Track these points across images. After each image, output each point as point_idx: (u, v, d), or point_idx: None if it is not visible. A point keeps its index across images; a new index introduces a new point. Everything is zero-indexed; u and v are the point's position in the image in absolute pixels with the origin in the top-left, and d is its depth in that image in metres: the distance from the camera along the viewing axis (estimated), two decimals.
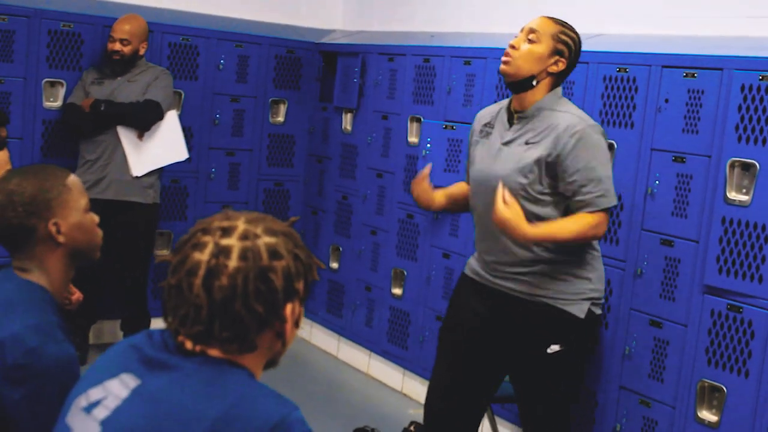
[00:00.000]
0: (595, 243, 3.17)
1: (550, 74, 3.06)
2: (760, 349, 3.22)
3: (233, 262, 1.46)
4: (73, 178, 2.18)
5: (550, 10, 3.28)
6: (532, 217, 2.99)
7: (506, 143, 3.10)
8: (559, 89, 3.12)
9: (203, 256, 1.47)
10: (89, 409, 1.50)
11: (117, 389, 1.49)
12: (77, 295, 3.22)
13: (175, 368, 1.48)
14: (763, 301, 3.22)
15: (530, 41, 3.05)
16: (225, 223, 1.51)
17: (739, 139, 3.28)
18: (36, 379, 1.92)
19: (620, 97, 3.71)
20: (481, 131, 3.24)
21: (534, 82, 3.05)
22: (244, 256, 1.47)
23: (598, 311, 3.15)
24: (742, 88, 3.27)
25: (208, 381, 1.45)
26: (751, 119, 3.24)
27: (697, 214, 3.44)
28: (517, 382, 3.28)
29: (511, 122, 3.13)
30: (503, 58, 3.07)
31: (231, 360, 1.50)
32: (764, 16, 3.41)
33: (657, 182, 3.56)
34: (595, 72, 3.78)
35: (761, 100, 3.21)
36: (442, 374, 3.33)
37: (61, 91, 4.87)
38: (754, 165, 3.23)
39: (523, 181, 3.01)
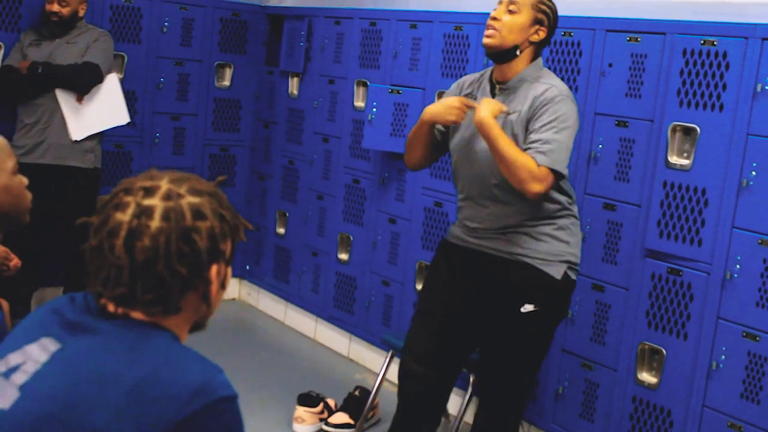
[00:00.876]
0: (575, 210, 3.18)
1: (531, 43, 3.08)
2: (699, 311, 3.26)
3: (155, 223, 1.43)
4: None
5: None
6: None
7: None
8: (540, 60, 3.13)
9: (125, 217, 1.44)
10: (8, 374, 1.46)
11: (37, 354, 1.45)
12: (15, 261, 3.17)
13: (96, 331, 1.44)
14: (702, 265, 3.26)
15: (511, 12, 3.05)
16: (148, 183, 1.47)
17: (681, 103, 3.30)
18: None
19: (565, 62, 3.71)
20: None
21: (517, 52, 3.06)
22: (166, 216, 1.43)
23: (574, 277, 3.15)
24: (684, 52, 3.28)
25: (130, 344, 1.42)
26: (692, 84, 3.26)
27: (639, 179, 3.46)
28: (485, 344, 3.28)
29: (493, 93, 3.13)
30: (486, 32, 3.06)
31: (155, 323, 1.47)
32: None
33: (600, 146, 3.58)
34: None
35: (702, 64, 3.23)
36: (419, 339, 3.32)
37: None
38: (695, 129, 3.25)
39: None
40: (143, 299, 1.45)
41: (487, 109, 2.97)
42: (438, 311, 3.28)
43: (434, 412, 3.38)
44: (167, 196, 1.45)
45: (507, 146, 2.93)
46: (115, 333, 1.44)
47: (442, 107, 3.11)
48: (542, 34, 3.08)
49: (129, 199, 1.45)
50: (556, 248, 3.09)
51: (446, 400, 3.43)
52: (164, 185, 1.47)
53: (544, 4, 3.07)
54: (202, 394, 1.39)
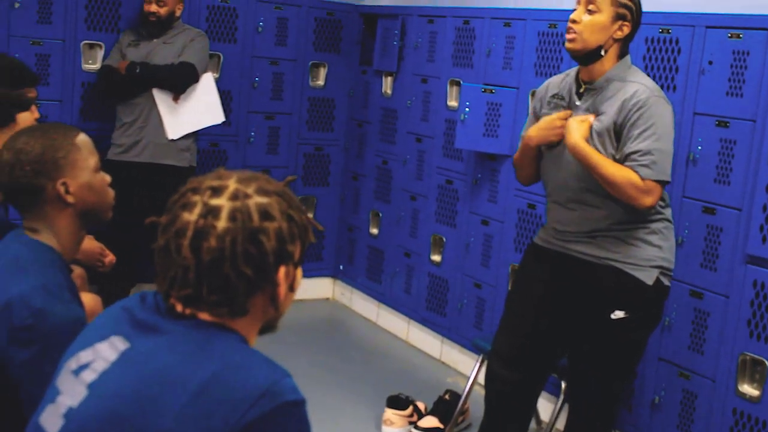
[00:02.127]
0: (669, 214, 3.09)
1: (616, 40, 2.99)
2: None
3: (222, 223, 1.41)
4: (82, 137, 2.14)
5: None
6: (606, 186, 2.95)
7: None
8: (628, 57, 3.04)
9: (192, 217, 1.42)
10: (78, 371, 1.46)
11: (106, 352, 1.45)
12: (110, 257, 3.22)
13: (164, 331, 1.43)
14: None
15: (590, 12, 2.97)
16: (215, 183, 1.45)
17: None
18: (42, 340, 1.90)
19: (662, 59, 3.58)
20: (549, 102, 3.17)
21: (602, 52, 2.98)
22: (233, 216, 1.41)
23: (667, 282, 3.05)
24: None
25: (197, 345, 1.40)
26: None
27: (741, 181, 3.31)
28: (574, 349, 3.20)
29: (579, 93, 3.06)
30: (567, 36, 3.00)
31: (222, 324, 1.45)
32: None
33: (699, 148, 3.44)
34: (637, 33, 3.64)
35: None
36: (506, 341, 3.27)
37: (100, 54, 4.86)
38: None
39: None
40: (209, 300, 1.43)
41: (577, 133, 2.93)
42: (526, 314, 3.21)
43: (520, 416, 3.31)
44: (234, 196, 1.43)
45: (606, 167, 2.89)
46: (181, 334, 1.42)
47: (546, 130, 3.09)
48: (626, 30, 2.98)
49: (196, 198, 1.44)
50: (647, 253, 2.99)
51: (533, 404, 3.35)
52: (232, 185, 1.45)
53: None
54: (268, 398, 1.36)
